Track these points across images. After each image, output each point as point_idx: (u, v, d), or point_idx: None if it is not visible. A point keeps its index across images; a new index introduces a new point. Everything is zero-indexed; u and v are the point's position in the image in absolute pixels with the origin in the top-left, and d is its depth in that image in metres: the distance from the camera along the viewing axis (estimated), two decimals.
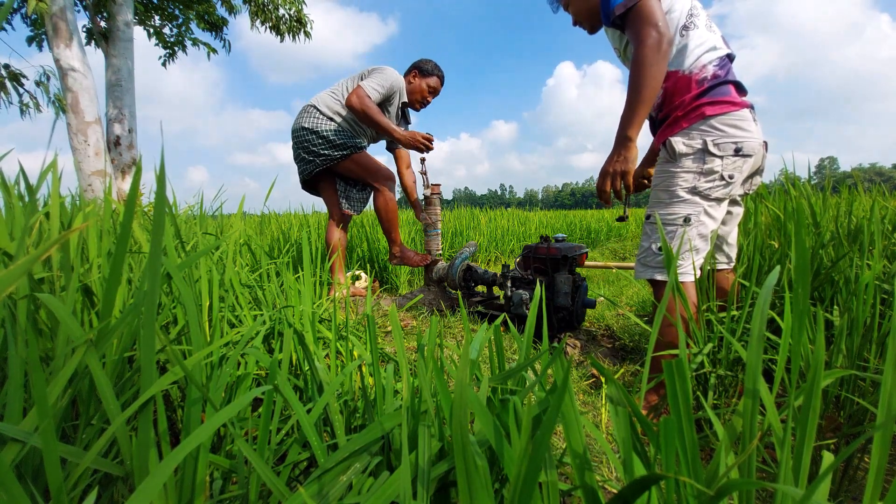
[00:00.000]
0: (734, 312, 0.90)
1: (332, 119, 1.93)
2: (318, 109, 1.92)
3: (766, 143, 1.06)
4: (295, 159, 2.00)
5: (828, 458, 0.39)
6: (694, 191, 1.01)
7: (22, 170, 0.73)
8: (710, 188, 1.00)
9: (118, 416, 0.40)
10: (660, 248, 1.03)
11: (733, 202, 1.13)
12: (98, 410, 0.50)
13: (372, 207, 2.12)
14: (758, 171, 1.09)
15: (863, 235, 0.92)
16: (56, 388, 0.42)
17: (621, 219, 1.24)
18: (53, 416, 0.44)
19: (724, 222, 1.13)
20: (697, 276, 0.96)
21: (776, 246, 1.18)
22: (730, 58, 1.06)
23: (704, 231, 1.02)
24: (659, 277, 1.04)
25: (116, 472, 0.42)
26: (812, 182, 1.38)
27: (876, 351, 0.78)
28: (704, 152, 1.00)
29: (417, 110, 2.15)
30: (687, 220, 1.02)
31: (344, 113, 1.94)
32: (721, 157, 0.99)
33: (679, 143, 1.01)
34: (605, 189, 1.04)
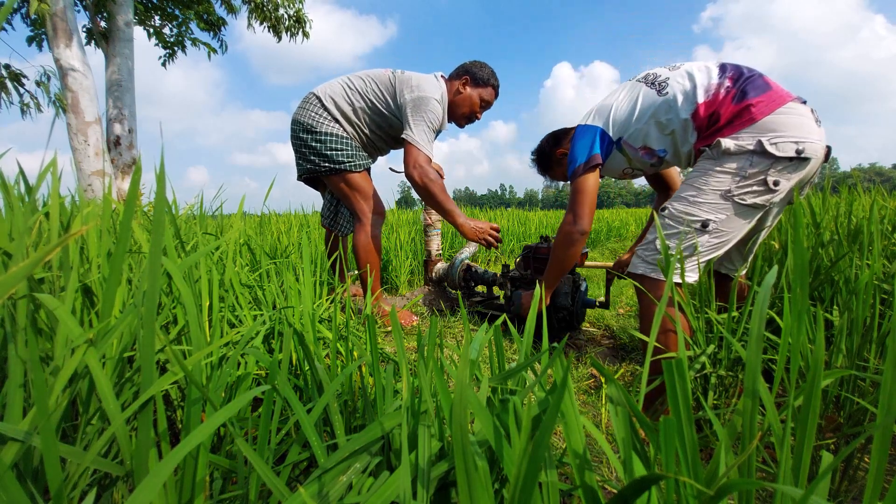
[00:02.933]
0: (734, 314, 0.90)
1: (336, 121, 1.53)
2: (322, 104, 1.53)
3: (829, 149, 0.92)
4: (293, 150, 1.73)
5: (827, 458, 0.39)
6: (727, 195, 0.89)
7: (21, 170, 0.73)
8: (743, 193, 0.89)
9: (118, 416, 0.40)
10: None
11: (767, 213, 0.99)
12: (98, 410, 0.50)
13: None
14: (808, 181, 0.95)
15: (862, 235, 0.92)
16: (56, 388, 0.42)
17: (602, 305, 1.50)
18: (53, 415, 0.44)
19: (755, 230, 1.02)
20: (690, 282, 0.95)
21: (776, 246, 1.18)
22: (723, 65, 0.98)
23: (716, 241, 0.92)
24: (652, 276, 0.97)
25: (116, 472, 0.42)
26: (812, 182, 1.38)
27: (876, 351, 0.78)
28: (755, 154, 0.87)
29: (462, 126, 1.67)
30: (705, 225, 0.91)
31: (353, 118, 1.55)
32: (774, 159, 0.86)
33: (729, 142, 0.89)
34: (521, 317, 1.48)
